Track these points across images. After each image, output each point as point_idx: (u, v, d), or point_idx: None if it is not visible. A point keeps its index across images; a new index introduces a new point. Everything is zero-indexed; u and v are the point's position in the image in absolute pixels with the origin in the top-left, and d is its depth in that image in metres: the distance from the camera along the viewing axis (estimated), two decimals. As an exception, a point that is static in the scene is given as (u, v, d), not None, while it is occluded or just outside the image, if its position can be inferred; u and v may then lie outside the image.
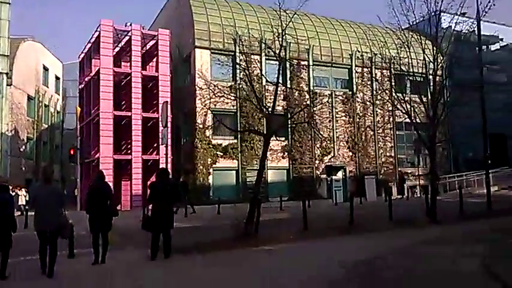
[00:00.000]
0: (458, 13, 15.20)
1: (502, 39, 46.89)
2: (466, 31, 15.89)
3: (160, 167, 21.89)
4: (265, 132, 12.32)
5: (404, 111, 15.07)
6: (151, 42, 27.76)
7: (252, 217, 11.19)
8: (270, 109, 12.12)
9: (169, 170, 26.26)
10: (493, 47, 46.58)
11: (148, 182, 28.97)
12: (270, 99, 26.03)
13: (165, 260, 8.35)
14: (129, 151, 26.49)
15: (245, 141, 26.30)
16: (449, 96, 15.49)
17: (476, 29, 17.39)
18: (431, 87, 15.02)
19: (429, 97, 15.20)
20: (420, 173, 31.56)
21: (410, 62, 15.47)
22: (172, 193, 8.65)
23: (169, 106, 14.01)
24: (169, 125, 26.02)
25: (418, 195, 30.34)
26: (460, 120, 29.98)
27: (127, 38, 26.72)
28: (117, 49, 27.55)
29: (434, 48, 15.28)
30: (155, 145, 26.65)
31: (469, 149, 37.76)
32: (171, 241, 8.50)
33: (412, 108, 15.47)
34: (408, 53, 15.41)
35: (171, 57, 27.02)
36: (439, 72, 15.31)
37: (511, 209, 16.12)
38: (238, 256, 8.88)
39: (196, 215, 19.09)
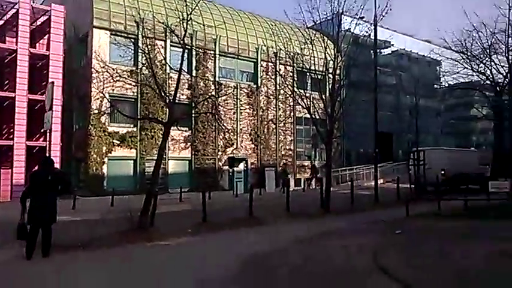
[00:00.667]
0: (357, 16, 15.99)
1: (392, 45, 51.47)
2: (363, 35, 16.80)
3: (47, 155, 19.82)
4: (166, 121, 11.66)
5: (304, 106, 15.48)
6: (43, 18, 25.00)
7: (147, 209, 10.56)
8: (172, 97, 11.53)
9: (59, 158, 24.36)
10: (385, 51, 50.75)
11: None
12: (174, 87, 25.44)
13: (42, 258, 7.39)
14: (11, 136, 23.69)
15: (145, 129, 25.12)
16: (346, 95, 16.31)
17: (372, 32, 18.48)
18: (330, 85, 15.64)
19: (327, 95, 15.92)
20: (316, 166, 33.19)
21: (312, 59, 15.94)
22: (54, 184, 7.68)
23: (55, 87, 12.59)
24: (58, 108, 24.20)
25: (314, 187, 31.86)
26: (352, 117, 32.25)
27: (13, 10, 23.73)
28: (0, 22, 24.39)
29: (335, 49, 15.97)
30: (42, 130, 24.18)
31: (360, 144, 40.78)
32: (51, 237, 7.56)
33: (312, 104, 15.97)
34: (311, 50, 15.86)
35: (65, 36, 24.66)
36: (337, 72, 15.95)
37: (394, 201, 17.51)
38: (128, 253, 8.23)
39: (87, 208, 17.65)
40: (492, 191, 12.51)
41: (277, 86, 31.62)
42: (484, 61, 23.49)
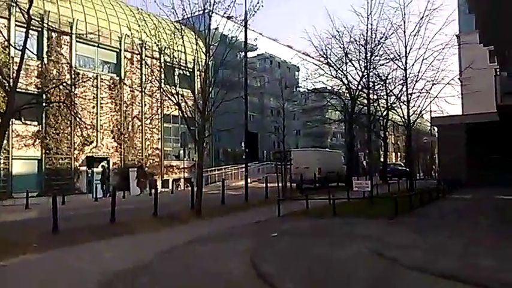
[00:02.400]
0: (226, 15, 15.55)
1: (257, 48, 53.40)
2: (232, 35, 16.36)
3: None
4: (3, 112, 9.48)
5: (175, 102, 14.46)
6: None
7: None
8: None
9: None
10: (250, 54, 52.22)
11: None
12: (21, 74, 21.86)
13: None
14: None
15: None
16: (217, 93, 15.67)
17: (240, 33, 18.06)
18: (202, 82, 14.90)
19: (196, 91, 15.22)
20: (185, 166, 32.25)
21: (180, 54, 14.97)
22: None
23: None
24: None
25: (182, 188, 30.87)
26: (220, 117, 32.16)
27: None
28: None
29: (204, 46, 15.31)
30: None
31: (228, 144, 41.11)
32: None
33: (182, 101, 15.04)
34: (180, 46, 14.88)
35: None
36: (206, 69, 15.29)
37: (263, 201, 17.60)
38: None
39: None
40: (355, 189, 13.24)
41: (144, 80, 29.70)
42: (341, 68, 25.39)
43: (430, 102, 20.51)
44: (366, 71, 23.48)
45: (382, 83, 23.41)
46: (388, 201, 12.87)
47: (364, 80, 24.10)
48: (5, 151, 21.98)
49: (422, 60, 20.34)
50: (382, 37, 21.39)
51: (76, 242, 9.15)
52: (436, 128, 27.50)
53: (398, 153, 67.24)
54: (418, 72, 20.42)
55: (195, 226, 11.47)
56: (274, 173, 39.46)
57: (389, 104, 24.91)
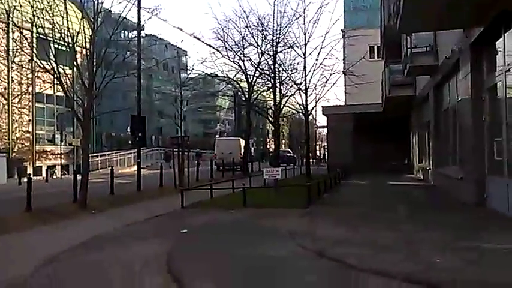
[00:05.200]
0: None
1: (144, 28, 50.02)
2: (116, 12, 14.34)
3: None
4: None
5: (53, 78, 12.15)
6: None
7: None
8: None
9: None
10: (134, 34, 48.76)
11: None
12: None
13: None
14: None
15: None
16: (106, 72, 13.56)
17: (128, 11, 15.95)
18: (87, 59, 12.76)
19: (81, 68, 13.03)
20: (62, 152, 28.63)
21: (57, 27, 12.52)
22: None
23: None
24: None
25: (59, 176, 27.34)
26: (103, 98, 29.12)
27: None
28: None
29: (87, 20, 13.22)
30: None
31: (111, 128, 37.85)
32: None
33: (65, 79, 12.75)
34: (58, 17, 12.44)
35: None
36: (88, 46, 13.18)
37: (158, 190, 16.08)
38: None
39: None
40: (266, 177, 12.58)
41: (11, 53, 25.33)
42: (238, 52, 24.63)
43: (327, 91, 20.94)
44: (262, 56, 23.24)
45: (278, 69, 23.29)
46: (293, 189, 12.49)
47: (260, 66, 23.82)
48: None
49: (321, 49, 20.62)
50: (285, 24, 21.07)
51: None
52: (326, 117, 28.53)
53: (283, 140, 69.95)
54: (316, 60, 20.62)
55: (82, 223, 9.60)
56: (163, 160, 37.76)
57: (284, 93, 24.95)
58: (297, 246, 5.86)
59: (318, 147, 63.11)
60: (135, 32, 49.09)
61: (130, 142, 25.97)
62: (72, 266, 5.70)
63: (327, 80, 20.79)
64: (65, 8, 12.98)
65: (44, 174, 25.72)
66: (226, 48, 24.49)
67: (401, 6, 8.65)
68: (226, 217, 9.02)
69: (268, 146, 66.88)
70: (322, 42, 20.32)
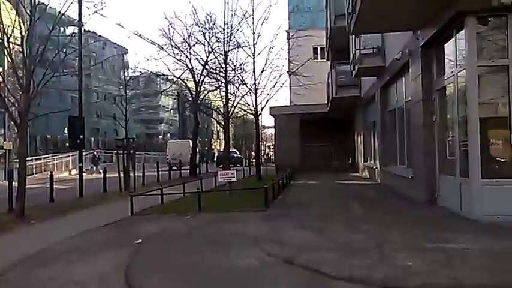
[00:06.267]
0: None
1: (84, 24, 47.40)
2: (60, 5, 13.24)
3: None
4: None
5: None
6: None
7: None
8: None
9: None
10: (73, 29, 46.20)
11: None
12: None
13: None
14: None
15: None
16: (45, 70, 12.47)
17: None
18: (23, 56, 11.70)
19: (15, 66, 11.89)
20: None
21: None
22: None
23: None
24: None
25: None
26: (35, 99, 27.14)
27: None
28: None
29: (20, 15, 12.12)
30: None
31: (46, 130, 35.54)
32: None
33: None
34: None
35: None
36: (18, 42, 12.10)
37: (102, 196, 15.18)
38: None
39: None
40: (221, 180, 12.17)
41: None
42: (184, 51, 24.01)
43: (276, 91, 20.91)
44: (210, 55, 22.84)
45: (223, 69, 22.98)
46: (246, 191, 12.23)
47: (208, 65, 23.40)
48: None
49: (270, 49, 20.59)
50: (236, 23, 20.77)
51: None
52: (273, 117, 28.63)
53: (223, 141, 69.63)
54: (266, 60, 20.55)
55: (21, 235, 8.69)
56: (104, 163, 36.03)
57: (232, 92, 24.64)
58: (264, 253, 5.61)
59: (263, 147, 63.54)
60: (71, 29, 46.39)
61: (68, 144, 24.48)
62: (19, 286, 5.03)
63: (277, 80, 20.81)
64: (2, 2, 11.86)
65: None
66: (172, 45, 23.81)
67: (358, 6, 8.69)
68: (183, 224, 8.57)
69: (213, 147, 66.25)
70: (272, 41, 20.36)
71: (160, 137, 66.80)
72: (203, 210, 9.79)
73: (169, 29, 23.62)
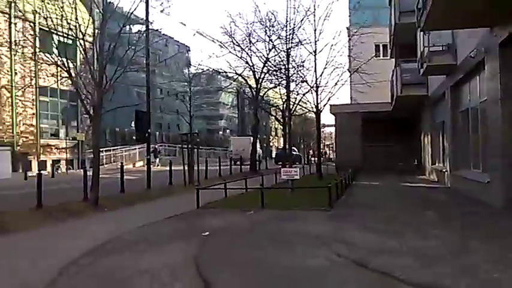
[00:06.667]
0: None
1: (151, 23, 49.33)
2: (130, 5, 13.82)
3: None
4: None
5: (65, 71, 11.77)
6: None
7: None
8: None
9: None
10: (139, 28, 48.22)
11: None
12: None
13: None
14: None
15: None
16: (117, 68, 13.12)
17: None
18: (96, 53, 12.39)
19: (89, 62, 12.62)
20: (66, 146, 28.31)
21: (59, 19, 12.06)
22: None
23: None
24: None
25: (64, 171, 27.00)
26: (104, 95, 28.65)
27: None
28: None
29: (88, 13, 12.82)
30: None
31: (114, 123, 37.46)
32: None
33: (74, 73, 12.38)
34: (59, 8, 12.00)
35: None
36: (89, 39, 12.78)
37: (166, 189, 15.70)
38: None
39: None
40: (284, 177, 12.20)
41: (14, 45, 24.93)
42: (245, 48, 24.31)
43: (338, 89, 20.48)
44: (271, 52, 22.91)
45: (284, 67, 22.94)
46: (308, 190, 12.12)
47: (269, 62, 23.49)
48: None
49: (332, 46, 20.23)
50: (298, 20, 20.65)
51: None
52: (334, 115, 28.11)
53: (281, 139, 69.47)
54: (327, 58, 20.23)
55: (96, 222, 9.26)
56: (167, 156, 37.42)
57: (293, 90, 24.52)
58: (332, 254, 5.50)
59: (322, 145, 62.67)
60: (137, 27, 48.59)
61: (135, 138, 25.73)
62: (92, 275, 5.29)
63: (339, 78, 20.38)
64: (75, 2, 12.63)
65: (49, 169, 25.35)
66: (233, 43, 24.18)
67: (431, 2, 8.26)
68: (246, 219, 8.66)
69: (271, 144, 66.45)
70: (333, 39, 19.94)
71: (220, 132, 68.12)
72: (266, 206, 9.84)
73: (230, 27, 24.03)
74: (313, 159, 39.96)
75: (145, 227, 8.26)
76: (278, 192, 12.71)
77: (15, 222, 8.70)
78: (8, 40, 24.76)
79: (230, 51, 24.34)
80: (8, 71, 24.93)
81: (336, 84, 20.06)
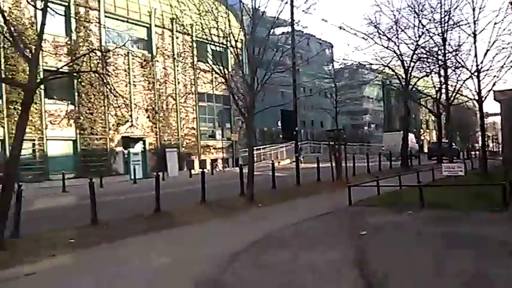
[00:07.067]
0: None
1: (297, 23, 50.45)
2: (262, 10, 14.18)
3: None
4: (26, 83, 8.00)
5: (221, 75, 12.73)
6: None
7: (3, 213, 7.03)
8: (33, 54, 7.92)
9: None
10: (283, 29, 49.56)
11: None
12: (47, 52, 20.60)
13: None
14: None
15: (13, 102, 20.00)
16: (267, 70, 13.69)
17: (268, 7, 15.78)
18: (247, 57, 13.12)
19: (242, 66, 13.45)
20: (222, 146, 30.89)
21: (211, 30, 13.00)
22: None
23: None
24: None
25: (221, 169, 29.46)
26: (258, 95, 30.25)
27: None
28: None
29: (237, 21, 13.52)
30: None
31: (264, 122, 39.28)
32: None
33: (230, 77, 13.36)
34: (212, 21, 12.96)
35: None
36: (238, 45, 13.45)
37: (315, 185, 15.77)
38: None
39: None
40: (445, 174, 11.22)
41: (176, 57, 28.17)
42: (392, 37, 23.03)
43: (505, 72, 17.66)
44: (420, 38, 21.26)
45: (440, 51, 20.98)
46: (470, 188, 10.82)
47: (419, 49, 21.86)
48: (38, 131, 21.09)
49: (495, 24, 17.69)
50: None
51: (118, 237, 7.70)
52: (499, 103, 24.66)
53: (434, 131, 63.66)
54: (490, 38, 17.72)
55: (253, 217, 9.79)
56: (312, 153, 37.81)
57: (450, 76, 22.26)
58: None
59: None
60: (281, 29, 50.02)
61: (281, 136, 26.61)
62: (258, 267, 5.56)
63: (507, 59, 17.62)
64: (227, 13, 13.59)
65: (208, 167, 27.96)
66: (379, 33, 23.11)
67: None
68: (406, 219, 8.13)
69: (422, 138, 61.80)
70: (496, 16, 17.25)
71: (366, 128, 66.10)
72: (426, 205, 9.08)
73: (375, 17, 23.02)
74: (472, 153, 35.74)
75: (300, 223, 8.38)
76: (438, 190, 11.65)
77: (185, 215, 9.76)
78: (172, 53, 28.11)
79: (376, 42, 23.33)
80: (172, 81, 28.22)
81: (502, 67, 17.46)
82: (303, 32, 55.97)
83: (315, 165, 17.38)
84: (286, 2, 15.49)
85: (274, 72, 13.81)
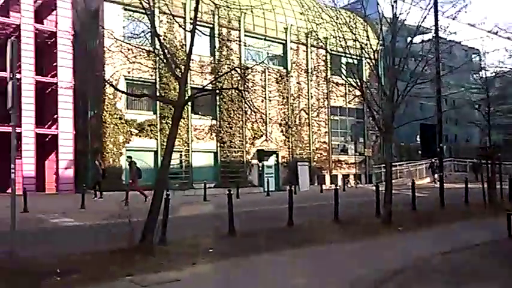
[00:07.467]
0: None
1: (430, 29, 46.80)
2: (401, 18, 13.06)
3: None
4: (176, 101, 8.76)
5: (357, 88, 12.26)
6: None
7: (153, 219, 7.69)
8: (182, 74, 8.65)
9: (72, 148, 22.07)
10: (419, 38, 46.17)
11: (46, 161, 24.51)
12: (195, 71, 22.58)
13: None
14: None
15: (165, 117, 22.33)
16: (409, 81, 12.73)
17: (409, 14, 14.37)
18: (387, 67, 12.40)
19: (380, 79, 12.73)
20: (355, 161, 29.97)
21: (346, 42, 12.51)
22: None
23: (63, 68, 9.57)
24: (69, 92, 21.67)
25: (352, 185, 28.58)
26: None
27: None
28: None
29: (373, 31, 12.81)
30: (55, 116, 22.23)
31: (401, 137, 37.00)
32: None
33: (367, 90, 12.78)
34: (347, 33, 12.50)
35: (76, 11, 22.08)
36: (375, 56, 12.68)
37: (462, 209, 14.06)
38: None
39: (96, 207, 15.05)
40: None
41: (309, 71, 28.36)
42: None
43: None
44: None
45: None
46: None
47: None
48: (185, 144, 23.12)
49: None
50: None
51: (254, 251, 7.80)
52: None
53: None
54: None
55: (389, 243, 8.96)
56: (457, 172, 34.24)
57: None
58: None
59: None
60: (419, 37, 46.88)
61: (419, 152, 24.73)
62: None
63: None
64: (365, 25, 13.14)
65: (339, 183, 27.33)
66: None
67: None
68: None
69: None
70: None
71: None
72: None
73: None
74: None
75: (451, 253, 7.41)
76: None
77: (318, 232, 9.50)
78: (306, 67, 28.41)
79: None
80: (305, 95, 28.44)
81: None
82: (445, 38, 51.61)
83: (460, 186, 15.60)
84: (431, 8, 14.31)
85: (417, 84, 12.83)
